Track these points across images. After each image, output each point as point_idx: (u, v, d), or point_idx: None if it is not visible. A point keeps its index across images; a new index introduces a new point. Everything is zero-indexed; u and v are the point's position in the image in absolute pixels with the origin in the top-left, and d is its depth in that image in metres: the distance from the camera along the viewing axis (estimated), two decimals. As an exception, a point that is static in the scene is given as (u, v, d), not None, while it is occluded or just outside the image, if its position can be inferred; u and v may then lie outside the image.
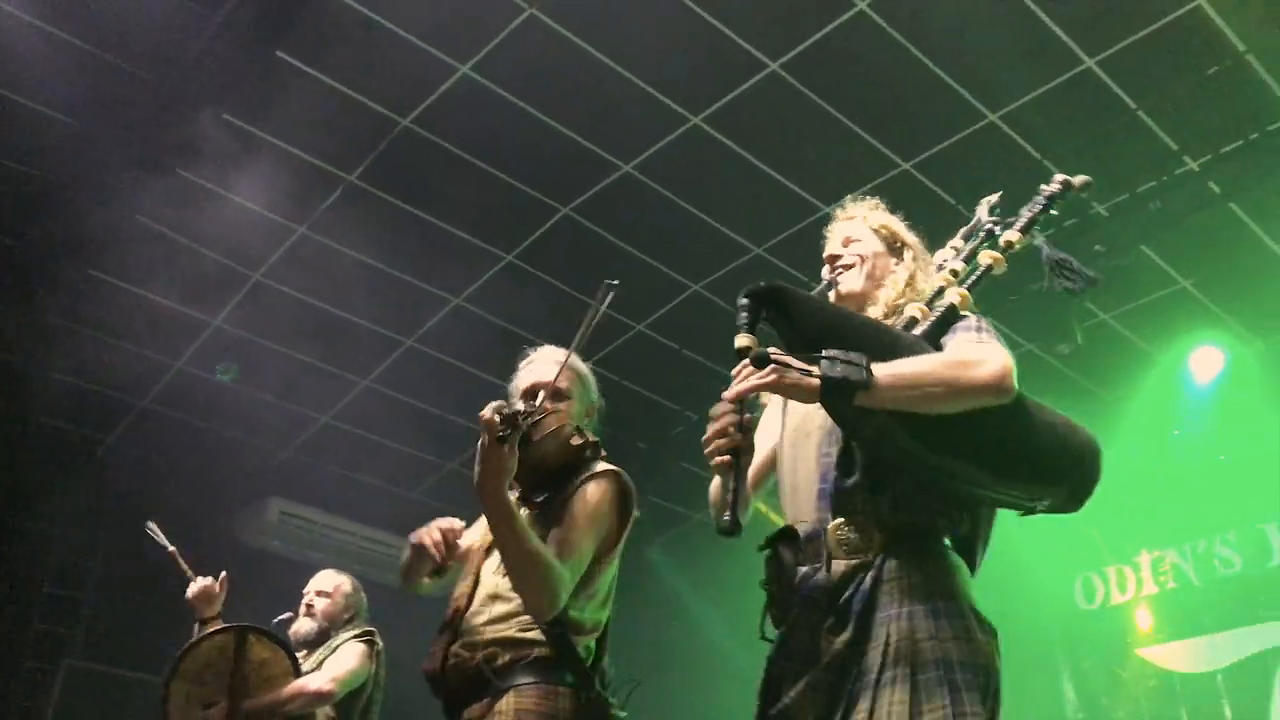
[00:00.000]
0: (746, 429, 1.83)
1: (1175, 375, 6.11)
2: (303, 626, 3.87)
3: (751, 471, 2.07)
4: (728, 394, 1.83)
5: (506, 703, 2.24)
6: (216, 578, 3.70)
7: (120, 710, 6.24)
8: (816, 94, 4.75)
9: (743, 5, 4.41)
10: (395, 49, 4.50)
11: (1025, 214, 2.20)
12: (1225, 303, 5.85)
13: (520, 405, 2.45)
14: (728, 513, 1.72)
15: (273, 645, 3.47)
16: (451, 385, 6.35)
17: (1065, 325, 5.37)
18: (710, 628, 7.26)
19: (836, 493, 1.91)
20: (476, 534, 2.66)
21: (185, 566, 3.74)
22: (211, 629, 3.55)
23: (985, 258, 2.12)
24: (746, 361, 1.80)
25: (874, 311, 2.12)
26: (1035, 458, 1.88)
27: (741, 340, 1.84)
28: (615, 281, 2.25)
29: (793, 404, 2.11)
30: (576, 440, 2.51)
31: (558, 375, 2.41)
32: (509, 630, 2.32)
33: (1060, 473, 1.90)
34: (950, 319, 2.00)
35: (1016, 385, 1.84)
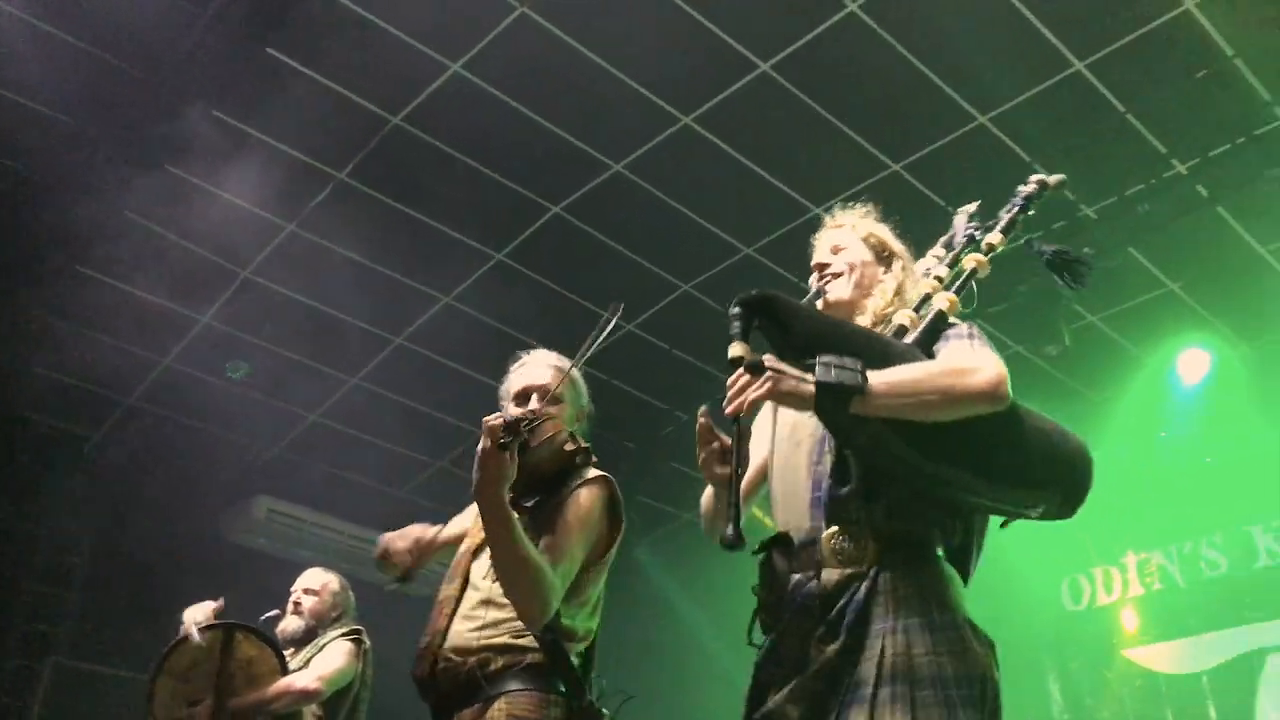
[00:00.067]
0: (743, 439, 1.83)
1: (1162, 377, 6.14)
2: (290, 625, 3.86)
3: (744, 482, 2.07)
4: (727, 410, 1.81)
5: (498, 709, 2.24)
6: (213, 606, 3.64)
7: (106, 708, 6.22)
8: (807, 95, 4.76)
9: (734, 6, 4.42)
10: (386, 47, 4.49)
11: (1004, 216, 2.21)
12: (1212, 306, 5.88)
13: (516, 410, 2.48)
14: (730, 527, 1.71)
15: (260, 643, 3.46)
16: (441, 384, 6.34)
17: (1053, 327, 5.39)
18: (698, 628, 7.27)
19: (830, 501, 1.91)
20: (461, 530, 2.66)
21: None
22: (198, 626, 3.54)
23: (969, 261, 2.13)
24: (741, 371, 1.80)
25: (862, 320, 2.13)
26: (1028, 465, 1.88)
27: (735, 349, 1.84)
28: (622, 304, 2.25)
29: (783, 412, 2.11)
30: (570, 446, 2.53)
31: (559, 384, 2.44)
32: (502, 636, 2.32)
33: (1053, 479, 1.90)
34: (940, 326, 2.00)
35: (1010, 393, 1.84)
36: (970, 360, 1.87)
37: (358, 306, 5.89)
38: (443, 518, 2.78)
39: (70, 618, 6.52)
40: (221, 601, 3.65)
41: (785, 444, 2.08)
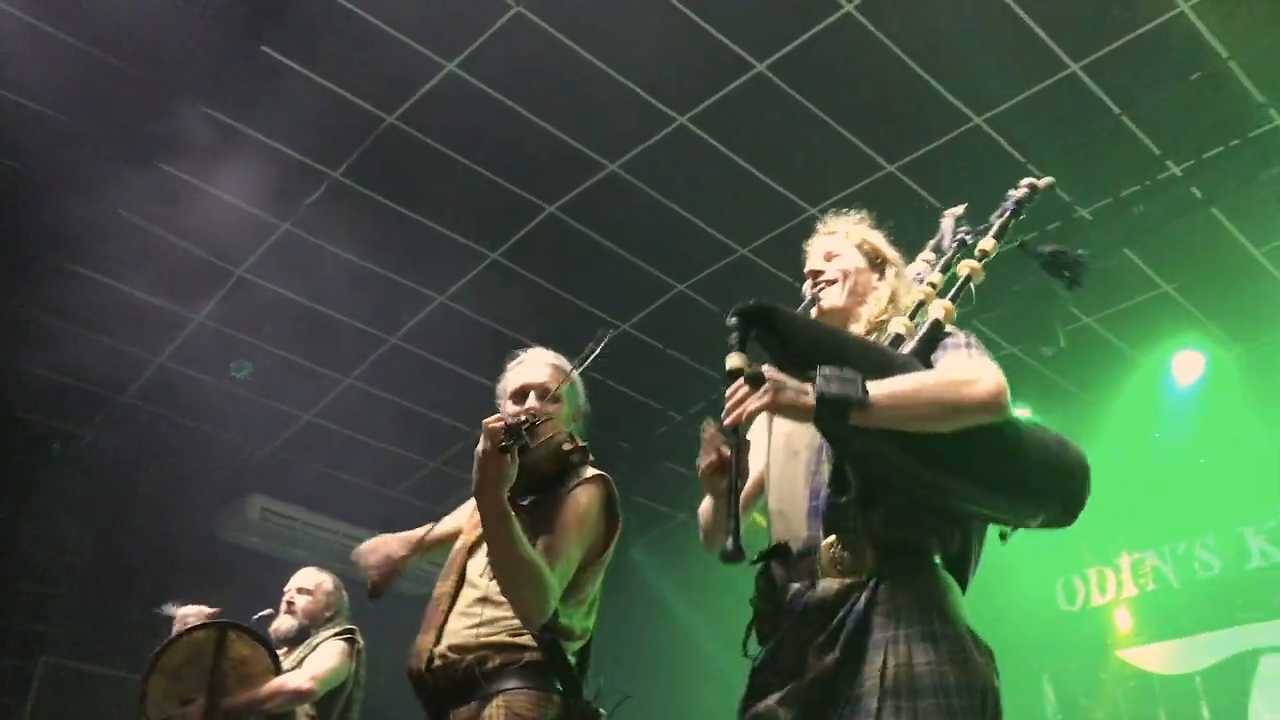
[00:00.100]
0: (742, 451, 1.82)
1: (1157, 378, 6.16)
2: (283, 624, 3.84)
3: (742, 494, 2.07)
4: (726, 421, 1.80)
5: (496, 707, 2.24)
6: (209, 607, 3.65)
7: (99, 707, 6.20)
8: (803, 95, 4.76)
9: (730, 6, 4.41)
10: (381, 45, 4.49)
11: (996, 221, 2.21)
12: (1207, 307, 5.89)
13: (514, 407, 2.49)
14: (730, 540, 1.69)
15: (253, 642, 3.45)
16: (435, 383, 6.34)
17: (1049, 328, 5.39)
18: (693, 628, 7.27)
19: (828, 509, 1.90)
20: (453, 528, 2.66)
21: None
22: (192, 625, 3.53)
23: (964, 268, 2.13)
24: (740, 382, 1.79)
25: (856, 328, 2.12)
26: (1028, 474, 1.87)
27: (733, 360, 1.83)
28: (615, 329, 2.24)
29: (779, 422, 2.10)
30: (567, 446, 2.53)
31: (558, 387, 2.45)
32: (500, 634, 2.31)
33: (1053, 489, 1.90)
34: (937, 335, 1.99)
35: (1010, 403, 1.84)
36: (969, 370, 1.87)
37: (352, 306, 5.88)
38: (436, 518, 2.78)
39: (63, 617, 6.50)
40: (219, 610, 3.66)
41: (781, 454, 2.07)
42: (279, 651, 3.62)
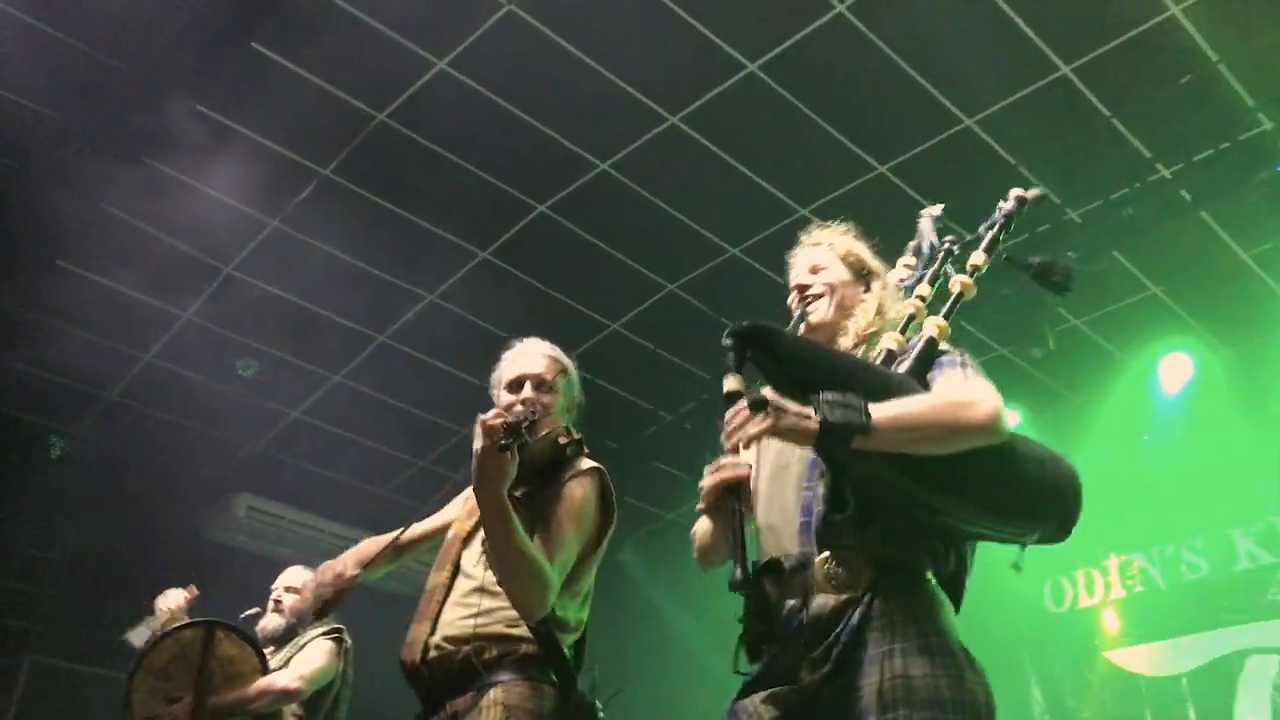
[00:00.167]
0: (744, 489, 1.83)
1: (1145, 381, 6.18)
2: (270, 623, 3.83)
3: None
4: (726, 445, 1.81)
5: (493, 697, 2.23)
6: (187, 589, 3.65)
7: (84, 706, 6.16)
8: (794, 96, 4.76)
9: (722, 6, 4.41)
10: (372, 43, 4.47)
11: (986, 234, 2.21)
12: (1195, 310, 5.91)
13: (509, 396, 2.50)
14: (739, 569, 1.69)
15: (240, 642, 3.43)
16: (424, 382, 6.32)
17: (1038, 330, 5.41)
18: (682, 628, 7.26)
19: (824, 526, 1.90)
20: (448, 516, 2.65)
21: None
22: (179, 624, 3.52)
23: (955, 284, 2.13)
24: (741, 406, 1.77)
25: (845, 341, 2.12)
26: (1024, 493, 1.88)
27: (730, 383, 1.83)
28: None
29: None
30: (563, 439, 2.53)
31: (550, 374, 2.46)
32: (496, 626, 2.31)
33: (1048, 507, 1.91)
34: (932, 352, 2.00)
35: (1007, 425, 1.84)
36: (968, 392, 1.87)
37: (341, 303, 5.86)
38: (425, 516, 2.77)
39: (49, 615, 6.46)
40: (193, 589, 3.65)
41: (771, 468, 2.07)
42: (266, 650, 3.61)
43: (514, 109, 4.83)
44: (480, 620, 2.32)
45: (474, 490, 2.24)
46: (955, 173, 4.92)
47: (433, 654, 2.32)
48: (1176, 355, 6.06)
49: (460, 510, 2.64)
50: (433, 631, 2.35)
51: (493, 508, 2.21)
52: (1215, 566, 6.19)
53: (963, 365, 1.97)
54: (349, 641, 3.76)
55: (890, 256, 2.37)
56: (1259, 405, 5.98)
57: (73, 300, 5.50)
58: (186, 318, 5.89)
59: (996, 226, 2.22)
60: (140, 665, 3.32)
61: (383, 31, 4.45)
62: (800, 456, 1.99)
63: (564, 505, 2.39)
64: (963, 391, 1.88)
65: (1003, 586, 6.35)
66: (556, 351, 2.63)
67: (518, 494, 2.40)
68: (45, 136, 4.59)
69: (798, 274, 2.23)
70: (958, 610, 1.93)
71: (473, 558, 2.44)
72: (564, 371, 2.61)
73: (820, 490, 1.93)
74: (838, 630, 1.82)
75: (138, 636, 3.65)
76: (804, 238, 2.31)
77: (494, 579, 2.32)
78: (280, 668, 3.57)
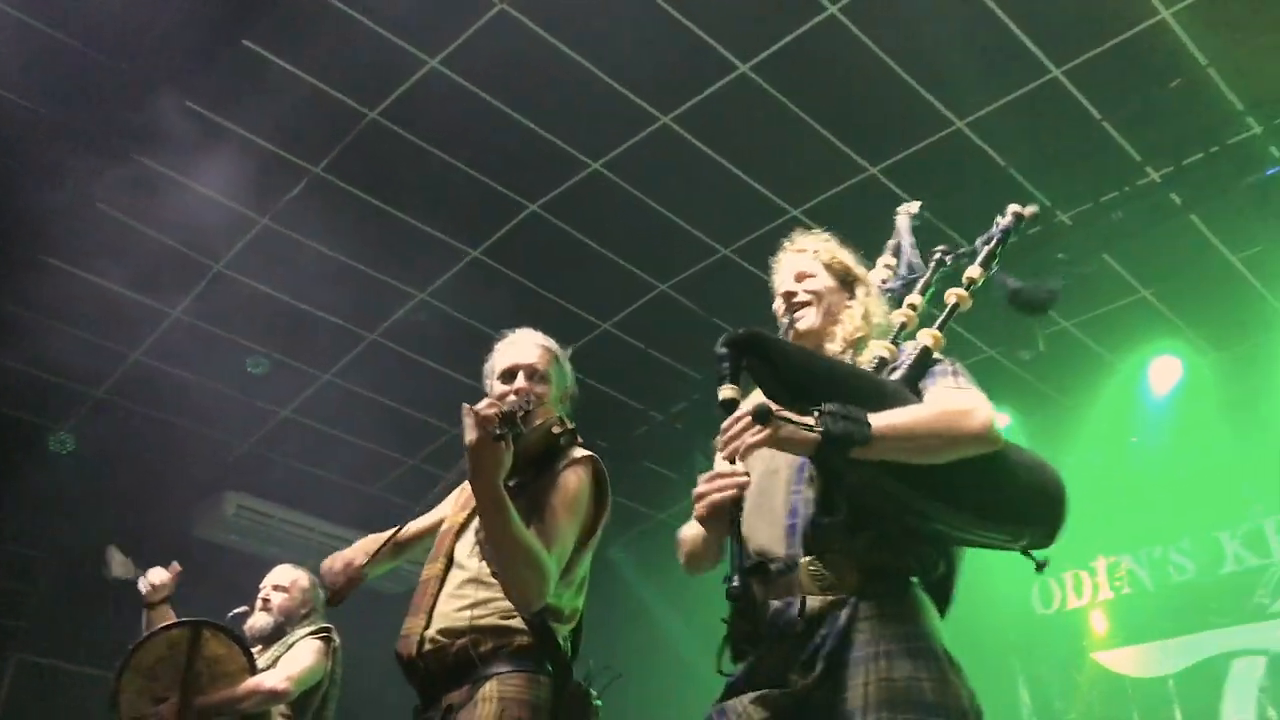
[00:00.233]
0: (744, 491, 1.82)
1: (1134, 383, 6.20)
2: (258, 621, 3.82)
3: None
4: (723, 454, 1.80)
5: (489, 689, 2.23)
6: (168, 567, 3.66)
7: (71, 705, 6.15)
8: (786, 96, 4.76)
9: (714, 6, 4.41)
10: (364, 40, 4.46)
11: (983, 248, 2.23)
12: (1184, 313, 5.93)
13: (502, 387, 2.50)
14: (736, 577, 1.69)
15: (228, 641, 3.42)
16: (414, 380, 6.31)
17: (1027, 332, 5.42)
18: (671, 627, 7.26)
19: (813, 529, 1.90)
20: (442, 514, 2.65)
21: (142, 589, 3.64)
22: (160, 617, 3.50)
23: (951, 296, 2.15)
24: (742, 415, 1.77)
25: (832, 347, 2.13)
26: (1015, 500, 1.90)
27: (726, 392, 1.83)
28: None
29: None
30: (556, 428, 2.54)
31: (543, 365, 2.47)
32: (491, 618, 2.30)
33: (1038, 513, 1.93)
34: (926, 362, 2.01)
35: (1001, 433, 1.87)
36: (962, 402, 1.89)
37: (331, 302, 5.85)
38: (415, 515, 2.77)
39: (36, 613, 6.44)
40: (175, 565, 3.64)
41: (759, 470, 2.06)
42: (254, 649, 3.59)
43: (505, 108, 4.82)
44: (475, 612, 2.32)
45: (470, 482, 2.24)
46: (946, 175, 4.94)
47: (428, 647, 2.32)
48: (1165, 358, 6.09)
49: (453, 504, 2.65)
50: (428, 624, 2.35)
51: (489, 498, 2.21)
52: (1202, 569, 6.22)
53: (955, 374, 1.99)
54: (337, 641, 3.75)
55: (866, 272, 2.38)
56: (1247, 408, 6.00)
57: (61, 297, 5.48)
58: (176, 315, 5.87)
59: (994, 241, 2.23)
60: (127, 665, 3.30)
61: (374, 29, 4.44)
62: (789, 460, 1.99)
63: (559, 494, 2.39)
64: (957, 401, 1.90)
65: (991, 588, 6.41)
66: (549, 341, 2.64)
67: (511, 484, 2.39)
68: (34, 132, 4.57)
69: (783, 281, 2.24)
70: (945, 614, 1.94)
71: (466, 549, 2.44)
72: (557, 361, 2.62)
73: (808, 493, 1.94)
74: (824, 632, 1.83)
75: (119, 566, 3.66)
76: (787, 244, 2.31)
77: (488, 570, 2.33)
78: (268, 667, 3.56)
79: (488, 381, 2.59)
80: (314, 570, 4.06)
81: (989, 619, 6.41)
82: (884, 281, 2.28)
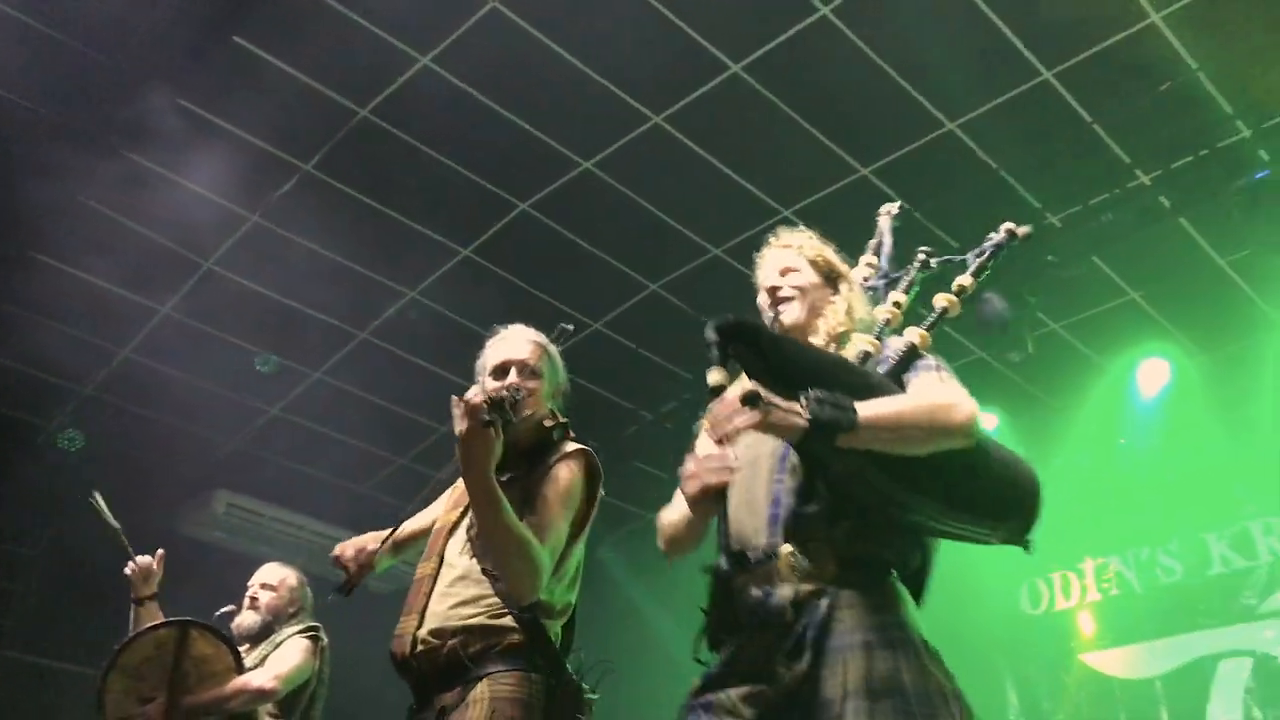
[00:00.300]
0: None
1: (1122, 385, 6.22)
2: (246, 620, 3.80)
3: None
4: (713, 437, 1.82)
5: (480, 690, 2.23)
6: (155, 555, 3.66)
7: (57, 703, 6.12)
8: (778, 97, 4.76)
9: (706, 6, 4.41)
10: (355, 38, 4.45)
11: (974, 260, 2.26)
12: (1173, 316, 5.95)
13: (494, 384, 2.49)
14: (724, 558, 1.73)
15: (215, 641, 3.41)
16: (405, 379, 6.30)
17: (1016, 333, 5.43)
18: (661, 627, 7.27)
19: (794, 519, 1.92)
20: (436, 514, 2.65)
21: (127, 544, 3.67)
22: (148, 615, 3.49)
23: (941, 301, 2.18)
24: (729, 398, 1.79)
25: (815, 340, 2.16)
26: (993, 493, 1.94)
27: (715, 376, 1.85)
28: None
29: None
30: (548, 422, 2.54)
31: (534, 360, 2.49)
32: (479, 617, 2.30)
33: (1015, 507, 1.96)
34: (912, 358, 2.05)
35: (982, 427, 1.91)
36: (945, 395, 1.93)
37: (322, 300, 5.83)
38: (405, 513, 2.77)
39: (22, 611, 6.41)
40: (161, 553, 3.67)
41: (741, 459, 2.07)
42: (241, 648, 3.58)
43: (497, 106, 4.81)
44: (464, 610, 2.32)
45: (462, 474, 2.24)
46: (936, 176, 4.96)
47: (420, 647, 2.32)
48: (1154, 360, 6.11)
49: (445, 503, 2.66)
50: (420, 624, 2.35)
51: (481, 490, 2.21)
52: (1190, 570, 6.24)
53: (938, 369, 2.03)
54: (325, 640, 3.74)
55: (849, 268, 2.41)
56: (1235, 410, 6.03)
57: (50, 294, 5.45)
58: (165, 312, 5.85)
59: (985, 255, 2.27)
60: (113, 665, 3.29)
61: (366, 27, 4.43)
62: (771, 450, 2.02)
63: (552, 487, 2.39)
64: (941, 394, 1.93)
65: (979, 589, 6.43)
66: (540, 337, 2.64)
67: (504, 479, 2.39)
68: (24, 128, 4.55)
69: (768, 276, 2.27)
70: (920, 604, 1.97)
71: (457, 547, 2.44)
72: (548, 356, 2.62)
73: (789, 483, 1.96)
74: (805, 621, 1.85)
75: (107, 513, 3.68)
76: (772, 240, 2.35)
77: (478, 568, 2.33)
78: (256, 666, 3.55)
79: (479, 378, 2.60)
80: (303, 569, 4.07)
81: (977, 619, 6.43)
82: (865, 279, 2.32)
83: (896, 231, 2.46)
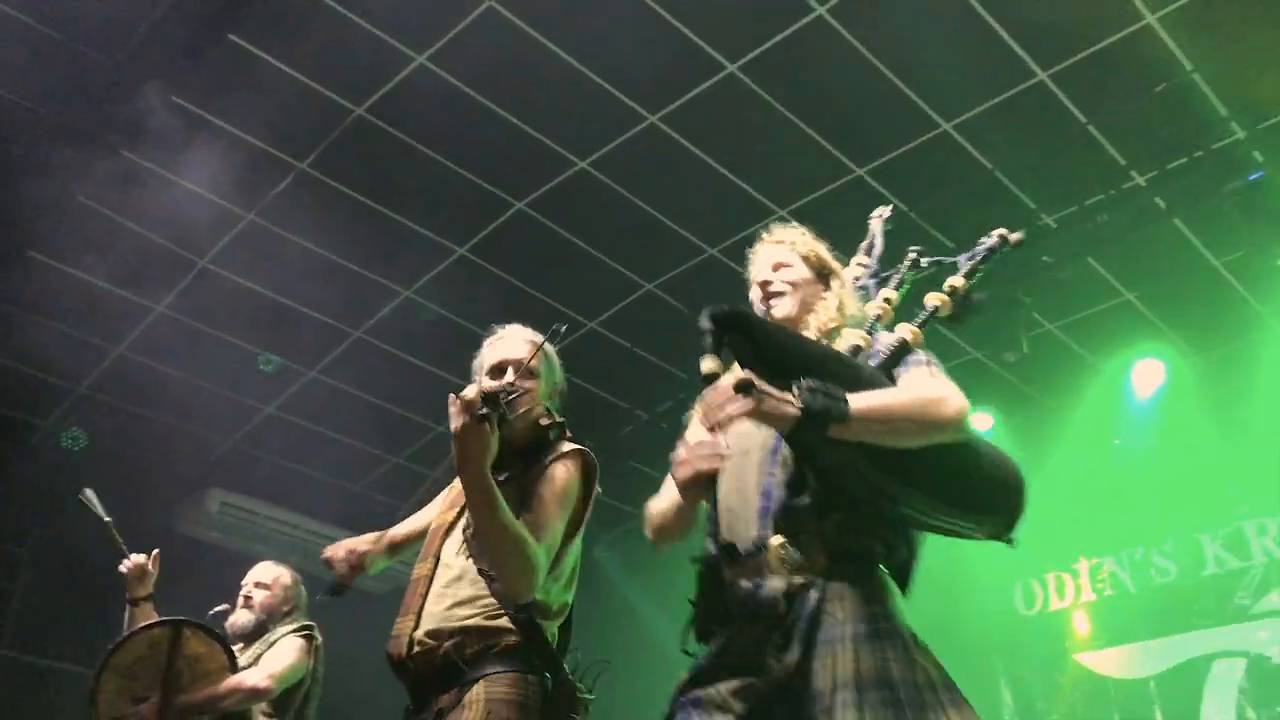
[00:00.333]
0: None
1: (1117, 386, 6.23)
2: (240, 618, 3.80)
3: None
4: (705, 424, 1.83)
5: (477, 692, 2.23)
6: (150, 555, 3.65)
7: (50, 702, 6.11)
8: (773, 97, 4.77)
9: (703, 6, 4.41)
10: (351, 36, 4.44)
11: (966, 263, 2.28)
12: (1167, 316, 5.96)
13: (491, 383, 2.48)
14: (712, 543, 1.74)
15: (209, 640, 3.40)
16: (400, 378, 6.29)
17: (1012, 334, 5.44)
18: (657, 627, 7.26)
19: (784, 511, 1.93)
20: (432, 514, 2.65)
21: (120, 540, 3.66)
22: (143, 615, 3.48)
23: (932, 299, 2.19)
24: (723, 386, 1.80)
25: (806, 334, 2.17)
26: (980, 489, 1.96)
27: (709, 364, 1.85)
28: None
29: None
30: (544, 421, 2.54)
31: (532, 356, 2.48)
32: (476, 618, 2.30)
33: (1001, 503, 1.98)
34: (903, 353, 2.06)
35: (972, 422, 1.92)
36: (937, 390, 1.94)
37: (317, 298, 5.82)
38: (399, 513, 2.77)
39: (16, 610, 6.39)
40: (156, 553, 3.66)
41: (731, 452, 2.08)
42: (235, 647, 3.58)
43: (493, 105, 4.81)
44: (460, 610, 2.31)
45: (458, 471, 2.23)
46: (932, 177, 4.96)
47: (417, 649, 2.32)
48: (1148, 361, 6.12)
49: (441, 503, 2.65)
50: (417, 625, 2.35)
51: (477, 487, 2.21)
52: (1184, 571, 6.26)
53: (928, 364, 2.05)
54: (319, 639, 3.73)
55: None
56: (1229, 411, 6.04)
57: (45, 292, 5.44)
58: (160, 310, 5.84)
59: (978, 258, 2.29)
60: (106, 664, 3.28)
61: (362, 25, 4.42)
62: (761, 443, 2.03)
63: (548, 486, 2.39)
64: (932, 389, 1.95)
65: (974, 589, 6.44)
66: (538, 337, 2.63)
67: (501, 478, 2.39)
68: (19, 126, 4.54)
69: (760, 270, 2.29)
70: (906, 597, 1.99)
71: (453, 547, 2.44)
72: (546, 357, 2.62)
73: (780, 476, 1.97)
74: (794, 613, 1.86)
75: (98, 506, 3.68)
76: (765, 235, 2.37)
77: (474, 568, 2.33)
78: (250, 665, 3.54)
79: (476, 378, 2.60)
80: (297, 568, 4.06)
81: (972, 619, 6.44)
82: (857, 279, 2.35)
83: (888, 235, 2.49)
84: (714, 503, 1.75)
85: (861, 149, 5.02)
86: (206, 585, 4.04)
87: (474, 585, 2.33)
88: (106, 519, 3.72)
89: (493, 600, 2.30)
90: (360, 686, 4.28)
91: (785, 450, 1.97)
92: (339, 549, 2.66)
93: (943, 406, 1.89)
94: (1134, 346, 6.09)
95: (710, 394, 1.81)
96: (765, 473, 2.00)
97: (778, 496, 1.95)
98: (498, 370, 2.55)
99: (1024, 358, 5.50)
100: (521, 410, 2.44)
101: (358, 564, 2.63)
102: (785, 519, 1.92)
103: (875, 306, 2.21)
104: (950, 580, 5.54)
